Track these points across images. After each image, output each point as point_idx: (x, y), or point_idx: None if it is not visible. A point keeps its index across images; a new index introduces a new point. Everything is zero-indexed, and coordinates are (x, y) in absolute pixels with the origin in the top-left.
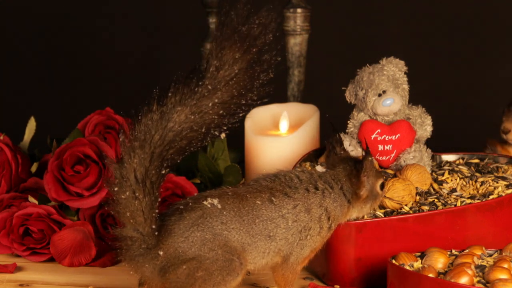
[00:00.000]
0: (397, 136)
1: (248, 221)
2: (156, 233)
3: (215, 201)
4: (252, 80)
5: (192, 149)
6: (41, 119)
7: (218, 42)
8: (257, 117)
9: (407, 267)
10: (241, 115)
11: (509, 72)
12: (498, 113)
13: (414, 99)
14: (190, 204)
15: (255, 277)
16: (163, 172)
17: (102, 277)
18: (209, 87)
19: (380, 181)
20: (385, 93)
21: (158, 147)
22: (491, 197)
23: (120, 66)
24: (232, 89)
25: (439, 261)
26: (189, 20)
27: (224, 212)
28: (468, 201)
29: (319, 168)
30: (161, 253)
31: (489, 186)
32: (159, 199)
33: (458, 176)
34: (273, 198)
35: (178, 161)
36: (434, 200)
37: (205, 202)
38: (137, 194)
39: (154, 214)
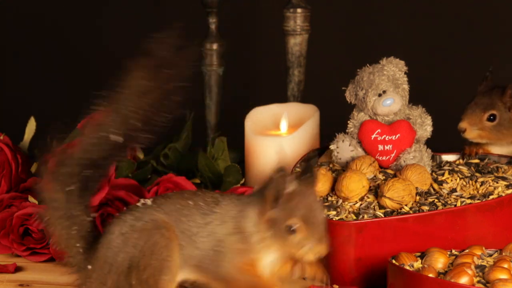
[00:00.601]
0: (397, 136)
1: (177, 216)
2: (82, 250)
3: (148, 201)
4: (153, 114)
5: (105, 166)
6: (41, 119)
7: (130, 68)
8: (257, 117)
9: (407, 267)
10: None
11: (509, 72)
12: None
13: (414, 99)
14: (125, 208)
15: None
16: (72, 188)
17: None
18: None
19: (290, 221)
20: (385, 93)
21: (67, 165)
22: (491, 197)
23: (119, 66)
24: (134, 113)
25: (439, 261)
26: (189, 20)
27: (154, 205)
28: (468, 201)
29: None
30: (89, 267)
31: (489, 186)
32: (88, 218)
33: (458, 176)
34: (201, 203)
35: (95, 185)
36: (434, 200)
37: (138, 204)
38: (54, 214)
39: (74, 232)
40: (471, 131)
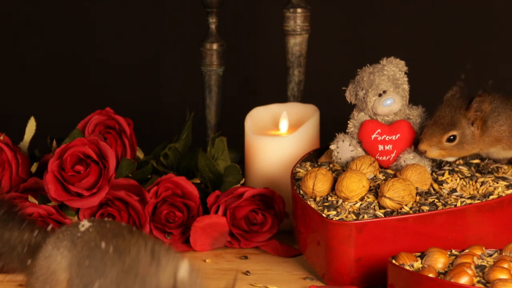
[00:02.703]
0: (397, 136)
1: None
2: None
3: (86, 225)
4: None
5: None
6: (41, 119)
7: None
8: (257, 117)
9: (407, 267)
10: None
11: (509, 72)
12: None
13: (414, 99)
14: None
15: (254, 277)
16: None
17: None
18: None
19: None
20: (386, 93)
21: None
22: (491, 197)
23: (119, 66)
24: None
25: (439, 261)
26: (189, 20)
27: (74, 239)
28: (468, 201)
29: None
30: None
31: (489, 186)
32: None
33: (458, 176)
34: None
35: None
36: (434, 200)
37: (78, 226)
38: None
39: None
40: (431, 151)
